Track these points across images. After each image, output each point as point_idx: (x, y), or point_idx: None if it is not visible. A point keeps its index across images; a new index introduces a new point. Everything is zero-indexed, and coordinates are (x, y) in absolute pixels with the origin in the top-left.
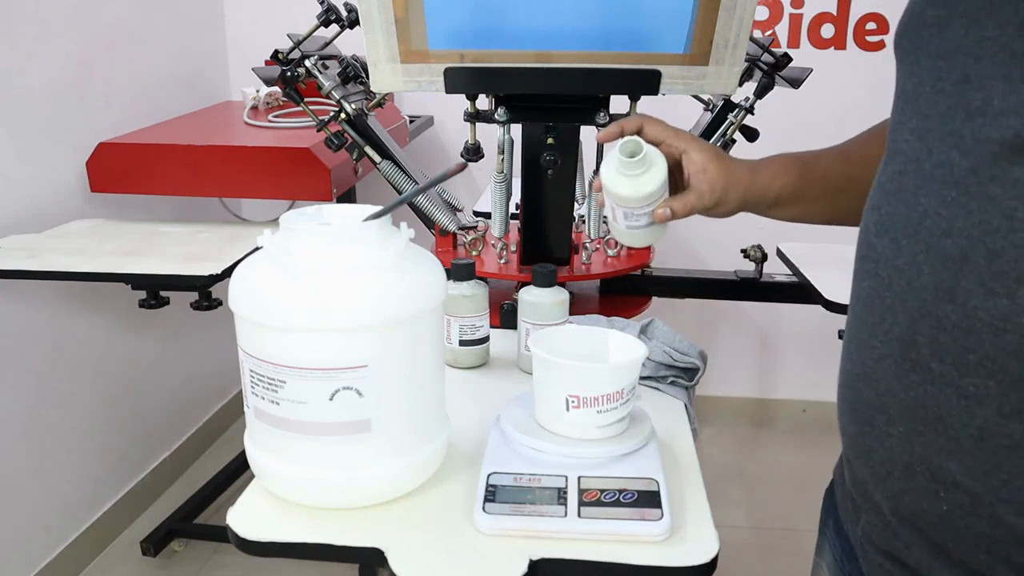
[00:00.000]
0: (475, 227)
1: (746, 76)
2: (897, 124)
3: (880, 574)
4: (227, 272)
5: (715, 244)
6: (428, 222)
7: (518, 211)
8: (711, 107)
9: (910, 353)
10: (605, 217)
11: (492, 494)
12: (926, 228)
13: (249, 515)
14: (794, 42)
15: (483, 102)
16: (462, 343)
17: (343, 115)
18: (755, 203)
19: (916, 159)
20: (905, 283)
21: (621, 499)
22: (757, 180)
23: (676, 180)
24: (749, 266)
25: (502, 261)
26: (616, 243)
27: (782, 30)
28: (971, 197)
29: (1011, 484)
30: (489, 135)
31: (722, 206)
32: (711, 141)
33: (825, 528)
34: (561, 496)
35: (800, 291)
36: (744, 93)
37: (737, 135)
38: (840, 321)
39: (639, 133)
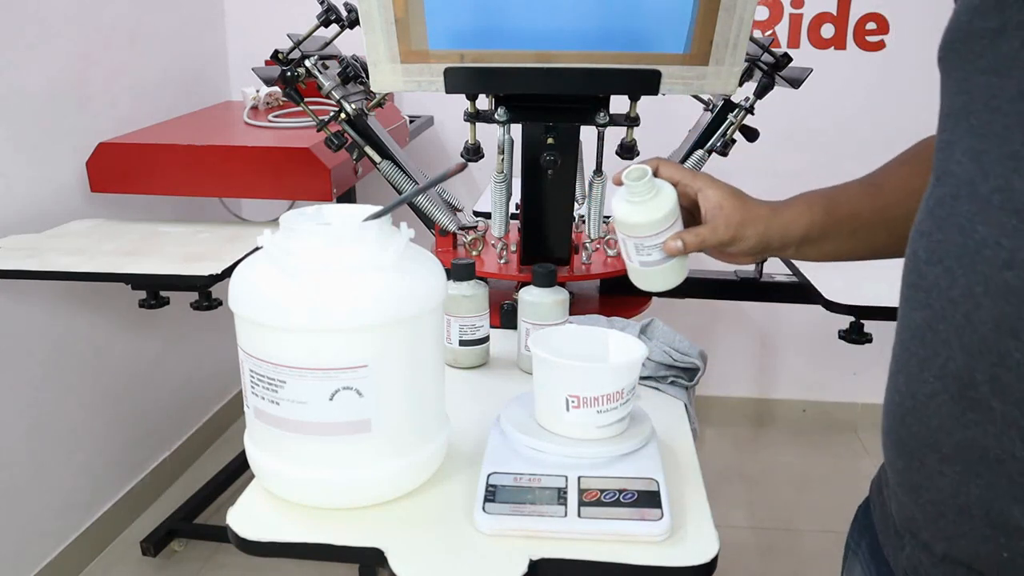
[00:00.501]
0: (475, 227)
1: (746, 76)
2: (946, 144)
3: None
4: (227, 272)
5: None
6: (428, 222)
7: (518, 211)
8: (711, 107)
9: (968, 391)
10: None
11: (492, 494)
12: (984, 258)
13: (249, 515)
14: (794, 42)
15: (483, 102)
16: (462, 343)
17: (343, 115)
18: (778, 242)
19: (970, 182)
20: (962, 317)
21: (621, 499)
22: (777, 218)
23: (694, 220)
24: (749, 266)
25: (502, 261)
26: (616, 243)
27: (782, 30)
28: None
29: None
30: (489, 135)
31: (739, 242)
32: (711, 141)
33: (858, 549)
34: (561, 496)
35: (800, 291)
36: (744, 93)
37: (737, 135)
38: (840, 321)
39: (654, 173)
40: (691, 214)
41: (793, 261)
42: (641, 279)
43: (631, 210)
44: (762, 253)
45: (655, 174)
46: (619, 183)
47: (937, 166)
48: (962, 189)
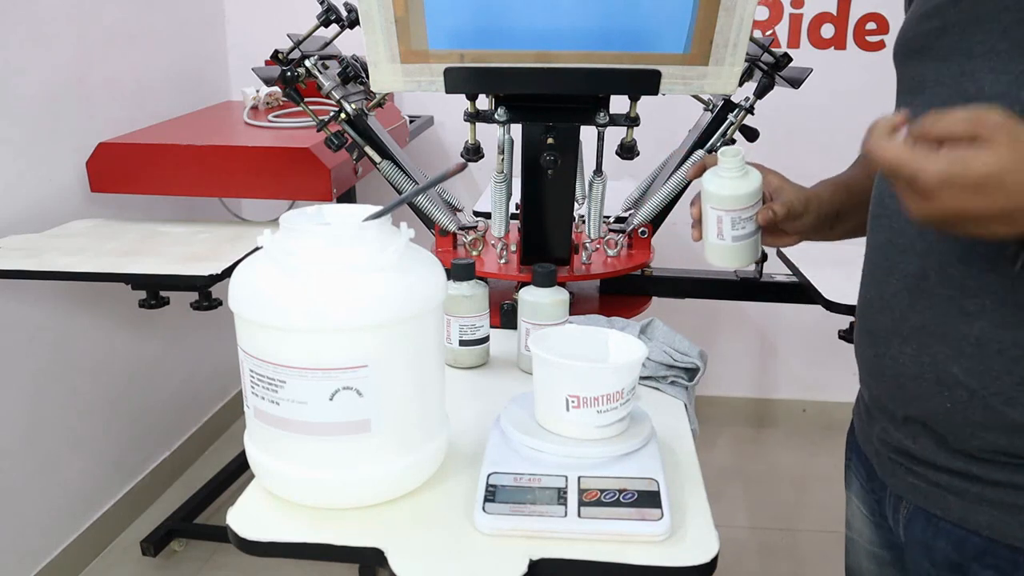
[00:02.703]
0: (475, 227)
1: (746, 76)
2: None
3: (893, 468)
4: (227, 272)
5: None
6: (428, 222)
7: (518, 211)
8: (711, 107)
9: (921, 284)
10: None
11: (492, 494)
12: None
13: (249, 515)
14: (794, 42)
15: (483, 102)
16: (462, 343)
17: (343, 115)
18: (824, 219)
19: None
20: (915, 231)
21: (621, 499)
22: (821, 196)
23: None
24: (749, 266)
25: (502, 261)
26: (616, 243)
27: (782, 30)
28: None
29: (1000, 380)
30: (489, 135)
31: (807, 215)
32: (711, 141)
33: (849, 462)
34: (561, 496)
35: (800, 291)
36: (744, 93)
37: (737, 135)
38: (840, 321)
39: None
40: None
41: (793, 261)
42: (729, 256)
43: (732, 184)
44: (813, 228)
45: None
46: (692, 178)
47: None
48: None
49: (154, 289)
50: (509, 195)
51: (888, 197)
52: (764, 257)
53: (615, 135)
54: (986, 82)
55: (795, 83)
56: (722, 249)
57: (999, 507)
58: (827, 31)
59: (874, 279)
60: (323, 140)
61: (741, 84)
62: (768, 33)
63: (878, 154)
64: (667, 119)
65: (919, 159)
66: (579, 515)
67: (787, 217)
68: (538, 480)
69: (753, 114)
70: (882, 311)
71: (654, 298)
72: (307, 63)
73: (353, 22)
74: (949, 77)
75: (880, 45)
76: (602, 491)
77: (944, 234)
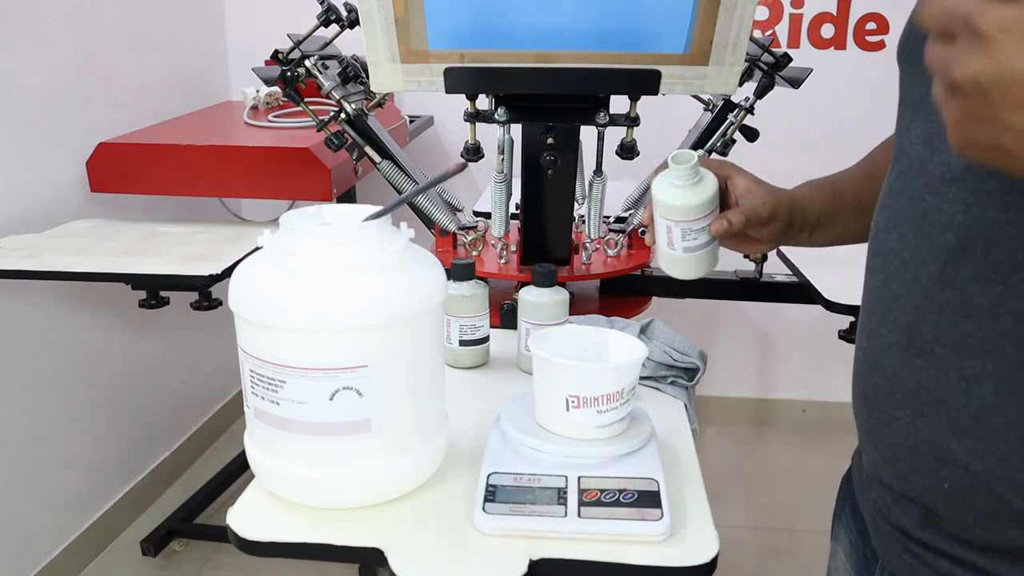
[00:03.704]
0: (475, 227)
1: (746, 76)
2: (904, 129)
3: (890, 543)
4: (227, 272)
5: None
6: (428, 222)
7: (518, 211)
8: (711, 107)
9: (915, 339)
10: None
11: (492, 494)
12: (929, 223)
13: (249, 515)
14: (794, 42)
15: (483, 102)
16: (462, 343)
17: (343, 115)
18: (799, 224)
19: (920, 160)
20: (911, 275)
21: (621, 499)
22: (799, 200)
23: (725, 205)
24: (749, 266)
25: (502, 261)
26: (616, 243)
27: (782, 30)
28: (970, 192)
29: (1007, 461)
30: (489, 135)
31: (773, 222)
32: (711, 141)
33: (841, 513)
34: (561, 496)
35: (800, 291)
36: (744, 93)
37: (737, 135)
38: (840, 321)
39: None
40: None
41: (793, 261)
42: (682, 267)
43: (680, 193)
44: (784, 235)
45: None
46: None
47: (896, 148)
48: (913, 166)
49: (154, 289)
50: (509, 195)
51: (885, 232)
52: (764, 257)
53: (615, 135)
54: None
55: (795, 83)
56: (673, 259)
57: None
58: (827, 31)
59: (867, 329)
60: (323, 140)
61: (741, 84)
62: (768, 33)
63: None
64: (667, 119)
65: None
66: (579, 515)
67: (746, 226)
68: (538, 480)
69: (753, 114)
70: (875, 367)
71: (654, 298)
72: (307, 63)
73: (353, 22)
74: None
75: (880, 45)
76: (602, 491)
77: (945, 279)
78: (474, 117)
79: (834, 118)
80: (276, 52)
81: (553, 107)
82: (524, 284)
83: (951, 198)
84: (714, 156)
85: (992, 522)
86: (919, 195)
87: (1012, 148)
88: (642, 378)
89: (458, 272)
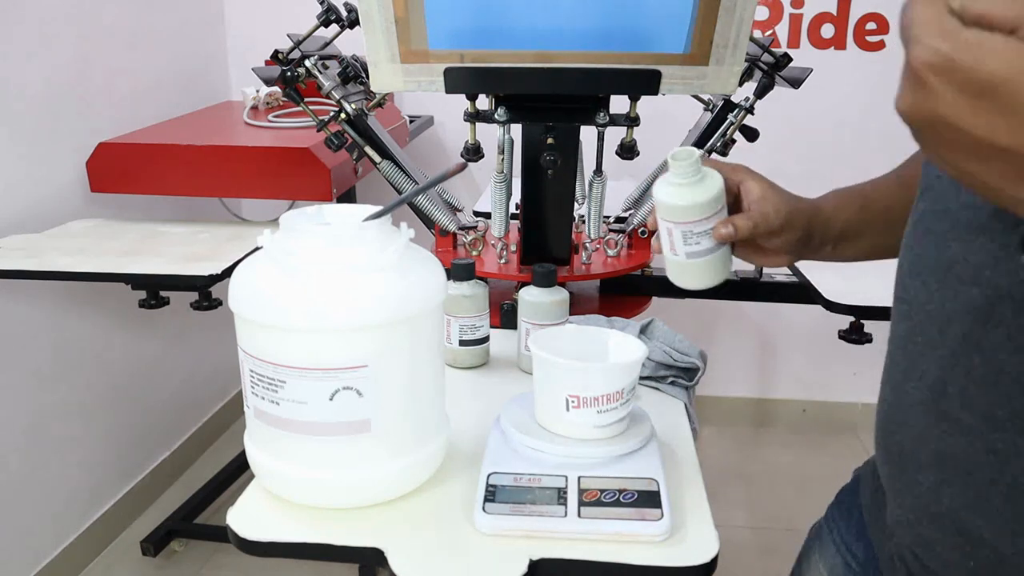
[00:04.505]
0: (475, 227)
1: (746, 76)
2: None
3: None
4: (227, 272)
5: None
6: (428, 222)
7: (518, 211)
8: (711, 107)
9: (941, 403)
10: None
11: (492, 494)
12: (955, 275)
13: (249, 515)
14: (794, 42)
15: (483, 102)
16: (462, 343)
17: (343, 115)
18: (819, 237)
19: (944, 197)
20: (936, 330)
21: (621, 499)
22: (820, 210)
23: (736, 211)
24: (749, 266)
25: (502, 261)
26: (616, 243)
27: (782, 30)
28: (998, 245)
29: None
30: (489, 135)
31: (786, 232)
32: (711, 141)
33: (832, 527)
34: (561, 496)
35: (800, 291)
36: (744, 93)
37: (737, 135)
38: (840, 321)
39: None
40: (733, 207)
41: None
42: (686, 274)
43: (679, 192)
44: (802, 249)
45: None
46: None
47: (923, 179)
48: (938, 204)
49: (154, 289)
50: (509, 195)
51: (909, 277)
52: None
53: (615, 135)
54: None
55: (795, 83)
56: (675, 265)
57: None
58: (827, 31)
59: (891, 380)
60: (323, 140)
61: (741, 84)
62: (768, 33)
63: (909, 5)
64: (667, 119)
65: (933, 27)
66: (579, 515)
67: (755, 233)
68: (538, 480)
69: (753, 114)
70: (900, 424)
71: (654, 298)
72: (307, 63)
73: (353, 22)
74: None
75: (880, 45)
76: (602, 491)
77: (972, 341)
78: (474, 117)
79: (834, 118)
80: (276, 52)
81: (553, 107)
82: (524, 284)
83: (977, 248)
84: (726, 159)
85: None
86: (943, 240)
87: (960, 180)
88: (642, 378)
89: (458, 272)
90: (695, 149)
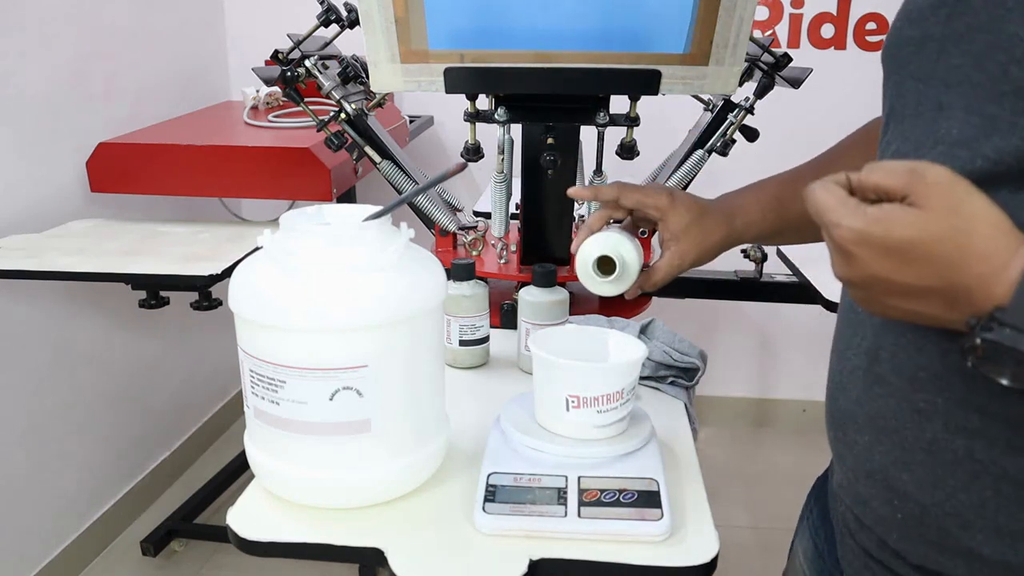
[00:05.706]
0: (475, 227)
1: (746, 76)
2: (885, 143)
3: (853, 558)
4: (227, 272)
5: None
6: (428, 222)
7: (518, 211)
8: (711, 107)
9: (874, 367)
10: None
11: (492, 494)
12: None
13: (249, 515)
14: (794, 42)
15: (483, 102)
16: (462, 343)
17: (343, 115)
18: (734, 244)
19: None
20: None
21: (621, 499)
22: (733, 232)
23: (659, 238)
24: (749, 266)
25: (502, 261)
26: None
27: (782, 30)
28: None
29: (955, 498)
30: (489, 135)
31: (703, 260)
32: (711, 141)
33: (809, 515)
34: (561, 496)
35: (800, 291)
36: (744, 93)
37: (737, 135)
38: None
39: (616, 203)
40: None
41: (793, 261)
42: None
43: (599, 288)
44: (717, 251)
45: (618, 203)
46: (574, 197)
47: (878, 158)
48: None
49: (154, 289)
50: (509, 195)
51: None
52: (764, 257)
53: (615, 135)
54: (955, 124)
55: (795, 83)
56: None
57: None
58: (827, 31)
59: (836, 349)
60: (323, 140)
61: (741, 84)
62: (768, 33)
63: (810, 194)
64: (667, 119)
65: (841, 210)
66: (579, 515)
67: (668, 281)
68: (538, 480)
69: (753, 114)
70: (841, 389)
71: (654, 298)
72: (307, 63)
73: (353, 22)
74: (928, 109)
75: (880, 45)
76: (602, 491)
77: (880, 313)
78: (474, 117)
79: (834, 118)
80: (276, 52)
81: (553, 107)
82: (524, 284)
83: None
84: (652, 185)
85: (942, 557)
86: None
87: (903, 319)
88: (642, 378)
89: (458, 272)
90: (615, 258)
